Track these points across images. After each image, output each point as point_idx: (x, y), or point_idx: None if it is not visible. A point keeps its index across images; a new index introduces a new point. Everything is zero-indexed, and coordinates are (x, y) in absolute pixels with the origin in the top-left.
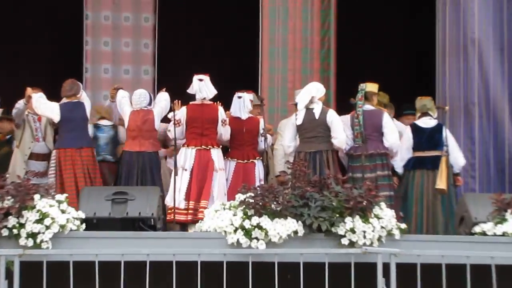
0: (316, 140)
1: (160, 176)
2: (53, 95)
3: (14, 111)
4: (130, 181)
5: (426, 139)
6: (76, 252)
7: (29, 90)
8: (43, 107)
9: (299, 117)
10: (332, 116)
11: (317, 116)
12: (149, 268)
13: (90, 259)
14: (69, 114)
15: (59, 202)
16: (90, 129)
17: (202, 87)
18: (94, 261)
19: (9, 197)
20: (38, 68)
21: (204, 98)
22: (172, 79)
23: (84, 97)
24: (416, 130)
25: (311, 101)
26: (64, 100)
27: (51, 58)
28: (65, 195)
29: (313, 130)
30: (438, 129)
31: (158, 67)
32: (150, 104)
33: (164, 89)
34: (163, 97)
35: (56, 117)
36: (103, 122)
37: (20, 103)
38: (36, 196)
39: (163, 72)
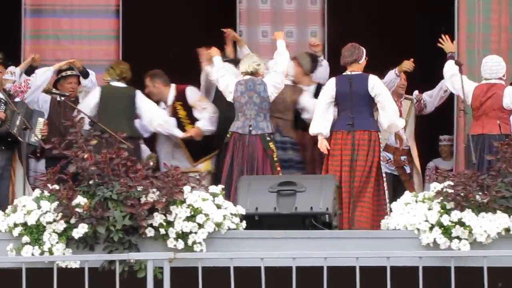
0: None
1: None
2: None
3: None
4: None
5: None
6: (237, 256)
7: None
8: None
9: None
10: None
11: None
12: (327, 274)
13: (254, 264)
14: (344, 88)
15: (214, 195)
16: None
17: None
18: (260, 266)
19: (154, 190)
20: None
21: None
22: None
23: None
24: None
25: None
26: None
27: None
28: (221, 186)
29: None
30: None
31: (328, 28)
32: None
33: None
34: None
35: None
36: None
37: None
38: (186, 188)
39: (333, 33)
